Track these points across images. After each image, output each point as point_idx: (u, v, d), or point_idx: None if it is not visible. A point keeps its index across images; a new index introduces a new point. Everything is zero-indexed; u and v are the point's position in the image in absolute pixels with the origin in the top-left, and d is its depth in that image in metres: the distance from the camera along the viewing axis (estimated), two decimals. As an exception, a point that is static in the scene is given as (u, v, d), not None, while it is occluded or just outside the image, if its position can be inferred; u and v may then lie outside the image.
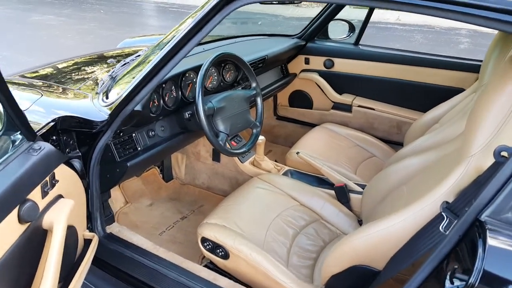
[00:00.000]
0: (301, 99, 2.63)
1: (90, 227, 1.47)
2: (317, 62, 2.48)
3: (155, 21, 9.10)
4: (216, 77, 1.77)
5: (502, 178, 0.75)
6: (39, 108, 1.37)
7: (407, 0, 0.84)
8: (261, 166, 1.96)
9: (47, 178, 1.05)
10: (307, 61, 2.52)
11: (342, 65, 2.41)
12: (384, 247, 1.05)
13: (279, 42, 2.36)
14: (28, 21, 8.20)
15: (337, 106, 2.48)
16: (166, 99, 1.52)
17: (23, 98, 1.43)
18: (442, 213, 0.89)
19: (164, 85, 1.48)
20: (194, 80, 1.66)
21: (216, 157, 2.10)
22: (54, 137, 1.27)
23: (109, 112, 1.23)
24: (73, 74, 1.74)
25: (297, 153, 1.92)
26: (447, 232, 0.84)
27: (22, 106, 1.36)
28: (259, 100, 1.71)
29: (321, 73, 2.49)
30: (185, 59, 1.73)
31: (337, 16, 2.46)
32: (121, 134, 1.38)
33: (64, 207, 1.10)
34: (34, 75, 1.72)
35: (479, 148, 0.91)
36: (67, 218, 1.08)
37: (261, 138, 1.88)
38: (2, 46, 6.33)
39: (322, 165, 1.85)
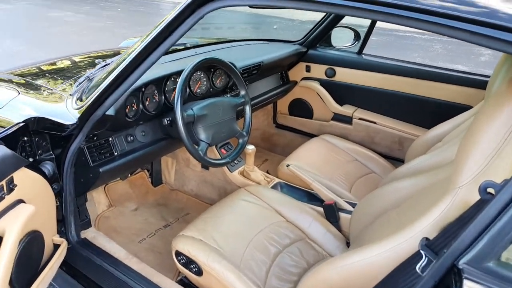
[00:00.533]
0: (301, 108, 2.53)
1: (64, 231, 1.41)
2: (319, 70, 2.38)
3: (170, 21, 9.08)
4: (205, 83, 1.69)
5: (486, 219, 0.64)
6: (14, 107, 1.33)
7: (396, 11, 0.74)
8: (250, 176, 1.87)
9: (3, 183, 0.99)
10: (308, 69, 2.42)
11: (344, 75, 2.30)
12: (358, 282, 0.94)
13: (278, 48, 2.27)
14: (46, 17, 8.32)
15: (337, 117, 2.37)
16: (147, 103, 1.45)
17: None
18: (421, 251, 0.78)
19: (144, 89, 1.41)
20: None
21: (205, 165, 2.02)
22: (25, 138, 1.21)
23: (78, 115, 1.16)
24: (59, 73, 1.69)
25: (287, 165, 1.82)
26: (423, 274, 0.74)
27: (-6, 104, 1.33)
28: (247, 108, 1.62)
29: (322, 82, 2.38)
30: (173, 62, 1.68)
31: (344, 23, 2.36)
32: (95, 138, 1.32)
33: (21, 213, 1.03)
34: (20, 72, 1.67)
35: (467, 180, 0.80)
36: (22, 224, 1.02)
37: (251, 147, 1.79)
38: (19, 41, 6.43)
39: (312, 180, 1.75)
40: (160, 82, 1.48)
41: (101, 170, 1.30)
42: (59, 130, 1.20)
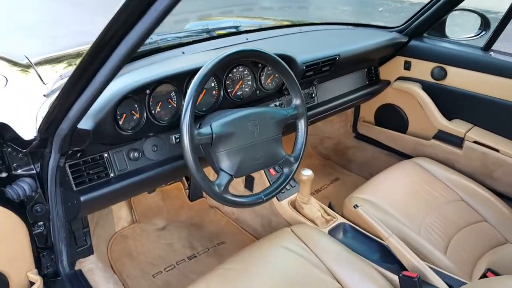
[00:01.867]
0: (392, 117, 2.04)
1: (55, 260, 1.19)
2: (422, 68, 1.85)
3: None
4: (249, 82, 1.30)
5: None
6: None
7: None
8: (302, 210, 1.46)
9: None
10: (407, 66, 1.90)
11: (459, 78, 1.74)
12: None
13: (367, 35, 1.80)
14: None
15: (442, 135, 1.83)
16: (157, 109, 1.11)
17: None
18: None
19: (149, 91, 1.07)
20: (213, 84, 1.23)
21: (248, 184, 1.66)
22: None
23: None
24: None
25: (355, 206, 1.35)
26: None
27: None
28: (301, 124, 1.19)
29: (426, 85, 1.86)
30: (210, 52, 1.32)
31: (468, 6, 1.77)
32: (79, 154, 1.03)
33: None
34: (44, 58, 1.47)
35: None
36: None
37: (307, 173, 1.38)
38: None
39: (390, 233, 1.26)
40: (181, 80, 1.14)
41: (82, 199, 1.02)
42: (20, 145, 0.96)
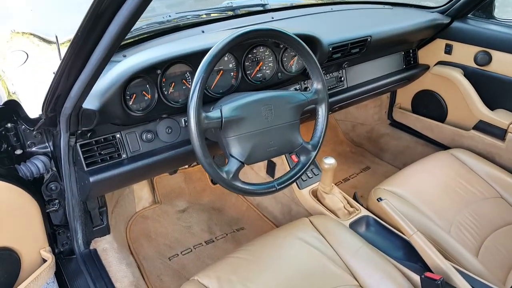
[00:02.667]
0: (430, 105, 1.93)
1: (71, 238, 1.24)
2: (465, 53, 1.72)
3: None
4: (271, 64, 1.25)
5: None
6: (17, 75, 1.14)
7: None
8: (324, 200, 1.41)
9: None
10: (448, 50, 1.78)
11: (505, 64, 1.60)
12: None
13: (405, 16, 1.69)
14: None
15: (483, 126, 1.71)
16: (171, 90, 1.09)
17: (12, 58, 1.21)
18: None
19: (160, 71, 1.03)
20: (231, 65, 1.18)
21: (270, 170, 1.62)
22: (9, 125, 1.01)
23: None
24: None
25: (379, 199, 1.28)
26: None
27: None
28: (321, 110, 1.13)
29: (468, 71, 1.73)
30: (226, 32, 1.26)
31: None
32: (89, 134, 1.02)
33: None
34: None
35: None
36: None
37: (330, 162, 1.32)
38: None
39: (414, 230, 1.19)
40: (197, 60, 1.10)
41: (91, 179, 1.02)
42: (29, 123, 0.98)
